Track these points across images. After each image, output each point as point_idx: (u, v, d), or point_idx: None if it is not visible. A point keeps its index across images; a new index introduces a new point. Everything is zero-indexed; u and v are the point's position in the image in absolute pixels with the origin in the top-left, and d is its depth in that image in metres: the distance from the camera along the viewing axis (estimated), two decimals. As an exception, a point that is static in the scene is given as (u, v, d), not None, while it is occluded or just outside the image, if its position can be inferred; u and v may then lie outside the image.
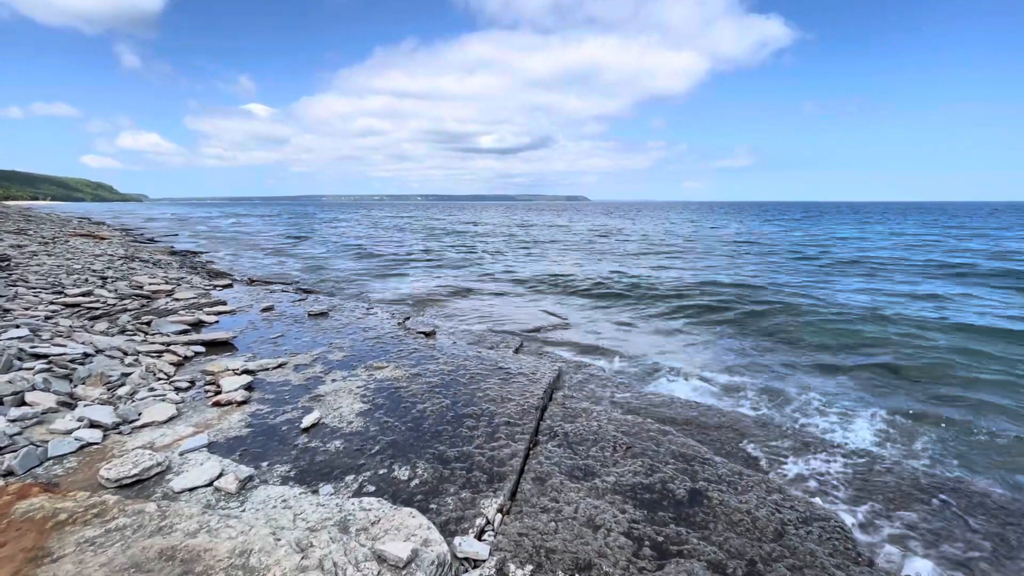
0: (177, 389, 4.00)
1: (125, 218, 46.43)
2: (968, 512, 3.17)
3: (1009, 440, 4.36)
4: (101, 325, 5.60)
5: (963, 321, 8.53)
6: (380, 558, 2.11)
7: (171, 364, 4.55)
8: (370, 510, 2.47)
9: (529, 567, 2.28)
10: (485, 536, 2.49)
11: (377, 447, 3.23)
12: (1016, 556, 2.78)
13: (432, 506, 2.64)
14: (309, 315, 6.97)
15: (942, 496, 3.32)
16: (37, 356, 4.13)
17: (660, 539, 2.54)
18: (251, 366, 4.54)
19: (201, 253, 17.65)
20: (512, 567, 2.27)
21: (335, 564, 2.04)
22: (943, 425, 4.65)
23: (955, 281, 12.92)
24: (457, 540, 2.36)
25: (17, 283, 7.26)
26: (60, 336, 4.82)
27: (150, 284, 8.32)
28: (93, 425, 3.19)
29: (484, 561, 2.29)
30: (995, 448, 4.25)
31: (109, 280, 8.43)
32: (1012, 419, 4.82)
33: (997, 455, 4.14)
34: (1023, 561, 2.73)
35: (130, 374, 4.12)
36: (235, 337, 5.62)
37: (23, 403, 3.38)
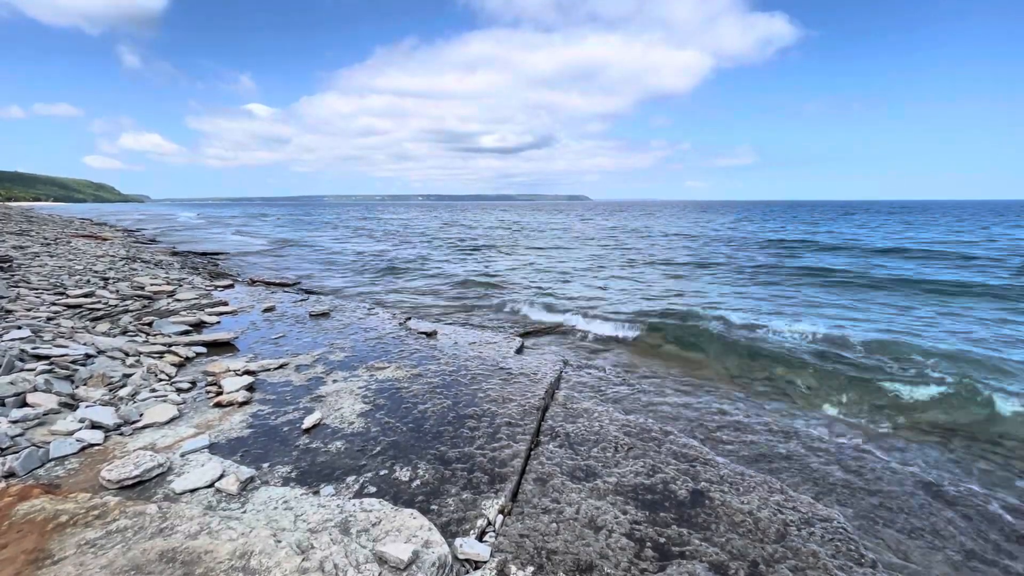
0: (178, 390, 4.00)
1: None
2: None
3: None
4: (103, 326, 5.61)
5: None
6: (381, 559, 2.10)
7: (172, 365, 4.55)
8: (371, 511, 2.47)
9: (530, 568, 2.28)
10: (486, 537, 2.49)
11: (378, 448, 3.22)
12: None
13: (433, 507, 2.64)
14: (311, 315, 6.97)
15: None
16: (39, 357, 4.14)
17: (662, 540, 2.53)
18: (252, 367, 4.54)
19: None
20: (513, 568, 2.27)
21: (336, 566, 2.03)
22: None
23: None
24: (458, 541, 2.35)
25: (19, 284, 7.27)
26: (62, 337, 4.82)
27: (152, 285, 8.33)
28: (94, 426, 3.20)
29: (485, 562, 2.29)
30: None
31: (111, 281, 8.44)
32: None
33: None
34: None
35: (131, 375, 4.13)
36: (236, 338, 5.63)
37: (25, 404, 3.38)
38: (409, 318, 7.42)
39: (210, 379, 4.27)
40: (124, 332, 5.46)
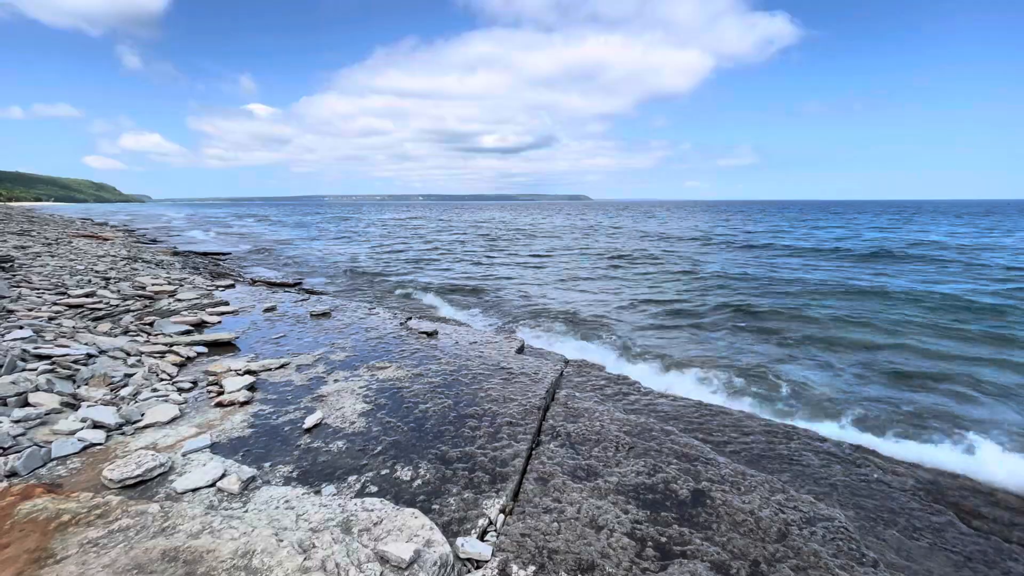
0: (180, 390, 4.01)
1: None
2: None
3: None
4: (104, 326, 5.61)
5: None
6: (383, 559, 2.10)
7: (174, 365, 4.55)
8: (372, 511, 2.47)
9: (532, 568, 2.28)
10: (488, 537, 2.49)
11: (380, 447, 3.22)
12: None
13: (435, 506, 2.64)
14: (311, 315, 6.97)
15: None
16: (40, 357, 4.14)
17: (663, 540, 2.53)
18: (253, 366, 4.54)
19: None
20: (515, 568, 2.27)
21: (337, 565, 2.04)
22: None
23: None
24: (460, 541, 2.36)
25: (21, 284, 7.28)
26: (63, 337, 4.83)
27: (153, 285, 8.34)
28: (96, 426, 3.20)
29: (487, 562, 2.29)
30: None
31: (112, 281, 8.45)
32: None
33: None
34: None
35: (133, 375, 4.13)
36: (237, 337, 5.63)
37: (27, 404, 3.39)
38: (410, 318, 7.42)
39: (211, 379, 4.27)
40: (125, 332, 5.46)
